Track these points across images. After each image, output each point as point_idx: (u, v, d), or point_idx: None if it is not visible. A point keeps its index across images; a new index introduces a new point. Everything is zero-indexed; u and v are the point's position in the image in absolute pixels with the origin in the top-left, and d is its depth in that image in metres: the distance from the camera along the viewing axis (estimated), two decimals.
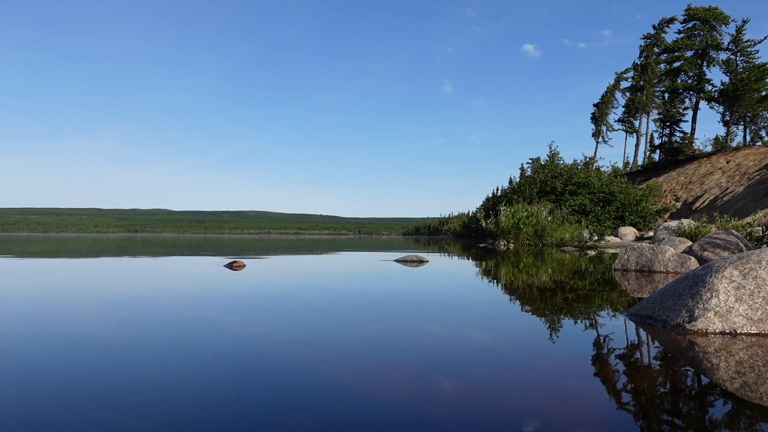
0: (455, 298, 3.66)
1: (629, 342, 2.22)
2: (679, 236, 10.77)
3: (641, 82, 39.09)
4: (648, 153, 41.31)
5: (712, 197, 27.40)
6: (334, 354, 1.91)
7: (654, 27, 39.90)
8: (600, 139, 43.22)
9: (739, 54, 34.66)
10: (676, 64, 37.80)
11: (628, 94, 40.93)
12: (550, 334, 2.34)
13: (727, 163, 30.93)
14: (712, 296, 2.40)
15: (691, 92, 37.56)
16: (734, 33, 34.43)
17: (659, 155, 39.15)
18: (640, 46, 40.06)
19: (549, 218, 16.64)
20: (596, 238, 16.78)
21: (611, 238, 18.94)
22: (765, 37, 33.33)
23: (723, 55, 36.13)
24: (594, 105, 43.08)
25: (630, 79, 41.11)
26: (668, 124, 38.14)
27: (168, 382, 1.54)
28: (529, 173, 31.10)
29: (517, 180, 31.30)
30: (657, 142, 39.74)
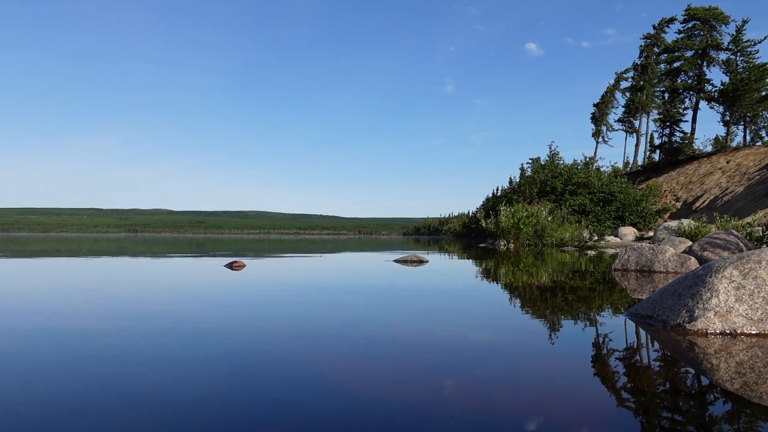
0: (455, 298, 3.66)
1: (629, 342, 2.22)
2: (679, 236, 10.76)
3: (641, 82, 39.07)
4: (648, 153, 41.30)
5: (712, 197, 27.39)
6: (334, 354, 1.91)
7: (654, 27, 39.89)
8: (600, 139, 43.22)
9: (739, 54, 34.63)
10: (676, 64, 37.78)
11: (628, 94, 40.92)
12: (550, 334, 2.34)
13: (727, 163, 30.92)
14: (712, 296, 2.40)
15: (691, 92, 37.54)
16: (734, 33, 34.40)
17: (659, 155, 39.14)
18: (640, 46, 40.05)
19: (549, 218, 16.63)
20: (596, 238, 16.77)
21: (611, 238, 18.93)
22: (765, 37, 33.30)
23: (723, 55, 36.12)
24: (594, 105, 43.08)
25: (630, 79, 41.11)
26: (668, 124, 38.12)
27: (166, 381, 1.54)
28: (529, 173, 31.07)
29: (517, 180, 31.28)
30: (657, 142, 39.73)
